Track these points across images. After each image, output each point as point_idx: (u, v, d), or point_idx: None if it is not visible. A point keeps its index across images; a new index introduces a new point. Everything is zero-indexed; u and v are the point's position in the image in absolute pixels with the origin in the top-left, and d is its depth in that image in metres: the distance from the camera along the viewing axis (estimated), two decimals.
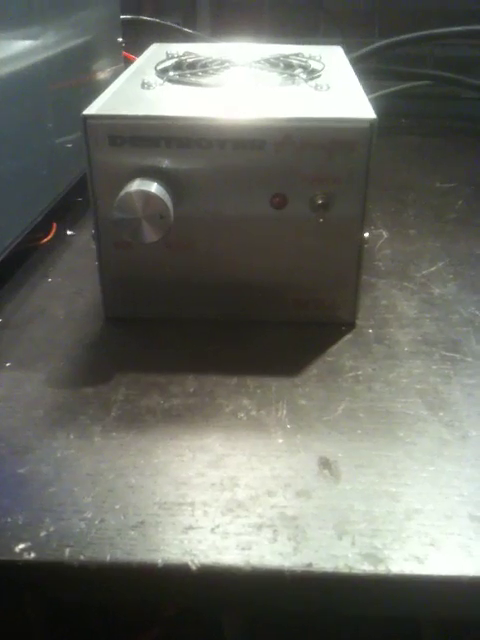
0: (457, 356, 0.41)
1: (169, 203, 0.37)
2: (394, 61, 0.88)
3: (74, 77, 0.59)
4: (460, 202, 0.63)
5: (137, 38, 0.77)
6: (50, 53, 0.54)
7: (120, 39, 0.68)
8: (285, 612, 0.28)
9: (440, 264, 0.51)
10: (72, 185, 0.58)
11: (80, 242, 0.55)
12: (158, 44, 0.58)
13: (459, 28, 0.80)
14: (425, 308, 0.46)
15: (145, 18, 0.77)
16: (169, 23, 0.77)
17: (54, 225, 0.56)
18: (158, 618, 0.29)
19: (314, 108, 0.40)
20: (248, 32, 0.96)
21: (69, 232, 0.57)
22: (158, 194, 0.37)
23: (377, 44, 0.77)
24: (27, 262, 0.52)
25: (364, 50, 0.78)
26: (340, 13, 0.92)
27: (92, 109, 0.39)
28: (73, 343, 0.42)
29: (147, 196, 0.37)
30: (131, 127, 0.38)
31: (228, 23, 0.96)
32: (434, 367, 0.40)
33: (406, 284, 0.49)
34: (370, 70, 0.79)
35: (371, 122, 0.37)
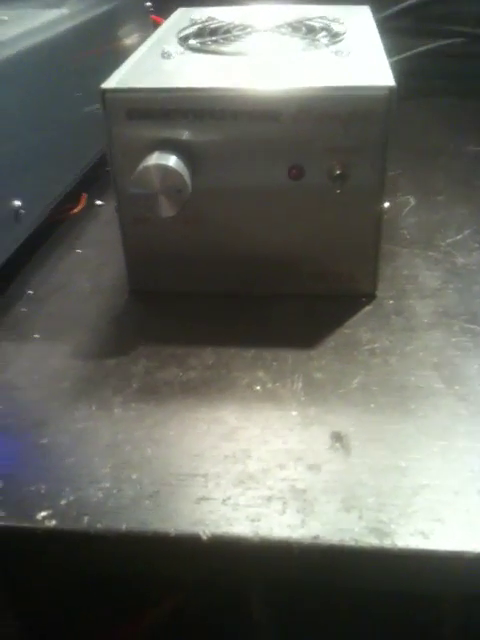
0: (477, 328, 0.40)
1: (187, 177, 0.38)
2: (428, 19, 0.85)
3: (101, 45, 0.59)
4: None
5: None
6: (76, 22, 0.54)
7: (148, 3, 0.67)
8: (301, 585, 0.29)
9: (466, 232, 0.51)
10: (101, 155, 0.58)
11: (108, 213, 0.56)
12: (183, 9, 0.58)
13: None
14: (448, 278, 0.45)
15: None
16: None
17: (84, 195, 0.57)
18: (174, 588, 0.30)
19: (332, 76, 0.39)
20: None
21: (98, 202, 0.57)
22: (176, 168, 0.37)
23: (409, 2, 0.75)
24: (56, 233, 0.53)
25: (396, 8, 0.75)
26: None
27: (111, 83, 0.39)
28: (98, 316, 0.43)
29: (165, 170, 0.37)
30: (148, 100, 0.38)
31: None
32: (453, 339, 0.40)
33: (430, 253, 0.48)
34: (403, 28, 0.77)
35: (390, 89, 0.37)
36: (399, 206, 0.54)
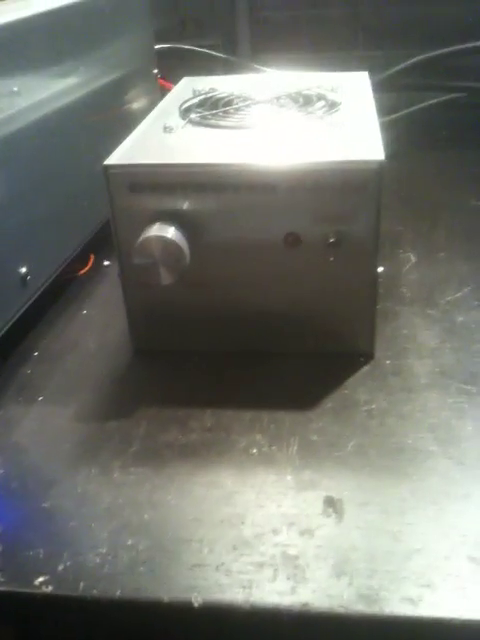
0: (474, 389, 0.41)
1: (185, 247, 0.39)
2: (434, 74, 0.87)
3: (109, 111, 0.62)
4: None
5: (176, 63, 0.80)
6: (85, 91, 0.57)
7: (155, 71, 0.70)
8: None
9: (466, 290, 0.51)
10: (108, 218, 0.60)
11: (115, 273, 0.57)
12: (188, 78, 0.60)
13: None
14: (446, 337, 0.46)
15: (180, 46, 0.79)
16: (206, 50, 0.79)
17: (92, 257, 0.59)
18: None
19: (326, 151, 0.41)
20: (288, 48, 0.97)
21: (106, 262, 0.59)
22: (175, 240, 0.39)
23: (413, 60, 0.77)
24: (65, 293, 0.55)
25: (400, 66, 0.78)
26: (378, 26, 0.92)
27: (113, 159, 0.41)
28: (102, 376, 0.45)
29: (164, 242, 0.39)
30: (149, 174, 0.40)
31: (267, 41, 0.97)
32: (449, 400, 0.40)
33: (429, 311, 0.49)
34: (409, 84, 0.79)
35: (379, 163, 0.38)
36: (400, 263, 0.55)
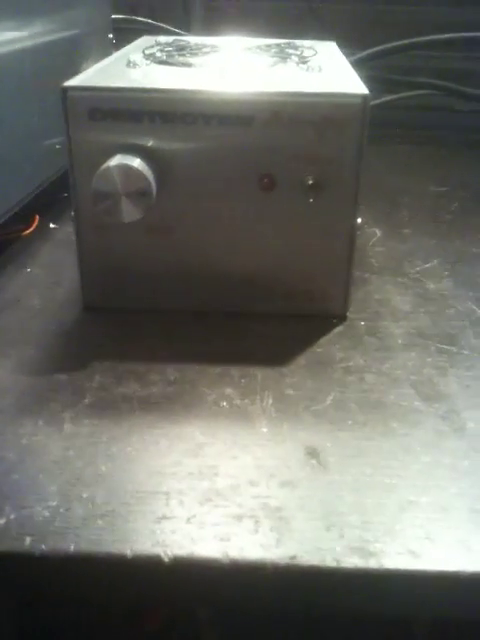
0: (453, 349, 0.39)
1: (151, 179, 0.35)
2: (389, 71, 0.87)
3: (61, 70, 0.57)
4: (455, 204, 0.61)
5: (132, 38, 0.76)
6: (36, 42, 0.53)
7: (111, 35, 0.67)
8: (267, 609, 0.25)
9: (435, 261, 0.49)
10: (55, 179, 0.56)
11: (63, 234, 0.53)
12: (149, 36, 0.57)
13: (446, 36, 0.79)
14: (420, 302, 0.44)
15: (137, 18, 0.75)
16: (163, 25, 0.76)
17: (36, 217, 0.54)
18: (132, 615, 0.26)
19: (304, 85, 0.38)
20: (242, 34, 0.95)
21: (52, 225, 0.55)
22: (140, 169, 0.35)
23: (368, 51, 0.76)
24: (6, 252, 0.50)
25: (356, 56, 0.77)
26: (333, 21, 0.92)
27: (73, 81, 0.37)
28: (48, 331, 0.40)
29: (128, 170, 0.35)
30: (113, 99, 0.36)
31: (221, 26, 0.94)
32: (429, 359, 0.38)
33: (400, 279, 0.47)
34: (370, 77, 0.78)
35: (364, 97, 0.36)
36: (366, 237, 0.53)
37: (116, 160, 0.35)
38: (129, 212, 0.36)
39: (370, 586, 0.25)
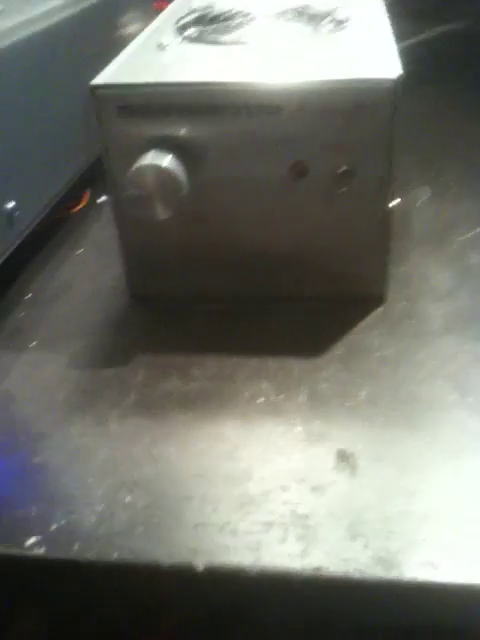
0: None
1: (182, 177, 0.36)
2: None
3: (100, 35, 0.57)
4: None
5: None
6: (74, 10, 0.52)
7: None
8: (290, 617, 0.27)
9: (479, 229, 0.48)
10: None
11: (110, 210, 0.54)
12: None
13: None
14: (460, 280, 0.43)
15: None
16: None
17: (86, 193, 0.55)
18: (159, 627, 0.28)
19: (334, 68, 0.37)
20: None
21: (100, 199, 0.55)
22: (171, 168, 0.35)
23: None
24: (59, 232, 0.51)
25: None
26: None
27: (101, 78, 0.37)
28: (96, 322, 0.42)
29: (159, 170, 0.35)
30: (141, 96, 0.36)
31: None
32: (466, 346, 0.38)
33: (443, 249, 0.46)
34: (413, 10, 0.73)
35: (394, 81, 0.34)
36: (412, 199, 0.52)
37: (147, 159, 0.35)
38: (162, 210, 0.36)
39: (393, 597, 0.27)
